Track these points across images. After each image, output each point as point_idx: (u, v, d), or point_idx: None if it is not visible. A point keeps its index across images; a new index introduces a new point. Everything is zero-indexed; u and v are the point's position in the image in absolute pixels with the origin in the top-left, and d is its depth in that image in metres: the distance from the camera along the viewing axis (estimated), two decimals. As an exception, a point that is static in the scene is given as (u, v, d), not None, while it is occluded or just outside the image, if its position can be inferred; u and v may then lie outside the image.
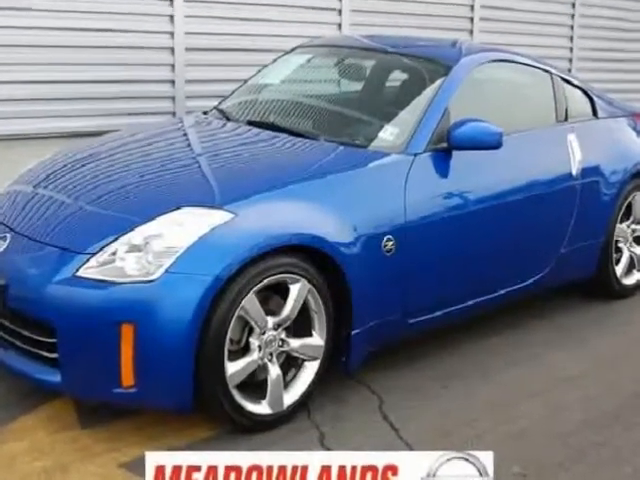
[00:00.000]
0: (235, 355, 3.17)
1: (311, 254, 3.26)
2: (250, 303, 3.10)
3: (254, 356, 3.19)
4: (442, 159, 3.83)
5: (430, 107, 3.92)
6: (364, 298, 3.43)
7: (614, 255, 4.89)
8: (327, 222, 3.34)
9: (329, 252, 3.29)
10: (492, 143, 3.83)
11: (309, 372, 3.39)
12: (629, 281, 5.07)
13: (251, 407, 3.21)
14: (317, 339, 3.37)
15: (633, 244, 5.08)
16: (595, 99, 4.96)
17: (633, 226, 5.06)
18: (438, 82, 4.07)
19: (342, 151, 3.80)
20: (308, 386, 3.38)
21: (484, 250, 4.02)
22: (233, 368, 3.11)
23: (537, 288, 4.48)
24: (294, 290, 3.23)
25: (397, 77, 4.55)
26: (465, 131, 3.78)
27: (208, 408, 3.16)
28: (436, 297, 3.86)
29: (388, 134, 3.91)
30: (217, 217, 3.13)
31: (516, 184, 4.16)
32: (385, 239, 3.50)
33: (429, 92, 4.05)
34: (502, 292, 4.22)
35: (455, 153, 3.84)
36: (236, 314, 3.06)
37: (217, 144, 4.17)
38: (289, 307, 3.24)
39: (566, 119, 4.67)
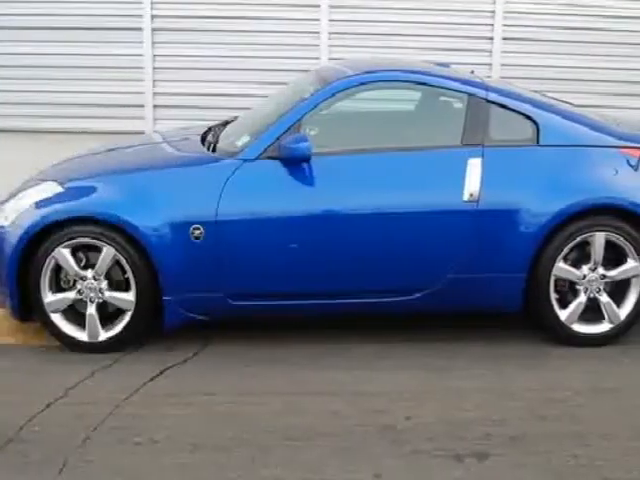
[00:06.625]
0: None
1: None
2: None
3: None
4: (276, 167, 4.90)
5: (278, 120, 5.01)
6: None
7: (553, 295, 5.03)
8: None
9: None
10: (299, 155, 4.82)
11: None
12: (586, 329, 5.14)
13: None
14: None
15: (602, 291, 5.09)
16: (542, 124, 5.02)
17: (601, 270, 5.06)
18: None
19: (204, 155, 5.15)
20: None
21: (311, 252, 4.92)
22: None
23: (421, 305, 5.07)
24: None
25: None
26: (288, 143, 4.79)
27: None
28: (259, 288, 4.93)
29: (240, 142, 5.05)
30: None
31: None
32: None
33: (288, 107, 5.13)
34: (366, 301, 5.05)
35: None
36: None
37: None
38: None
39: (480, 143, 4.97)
